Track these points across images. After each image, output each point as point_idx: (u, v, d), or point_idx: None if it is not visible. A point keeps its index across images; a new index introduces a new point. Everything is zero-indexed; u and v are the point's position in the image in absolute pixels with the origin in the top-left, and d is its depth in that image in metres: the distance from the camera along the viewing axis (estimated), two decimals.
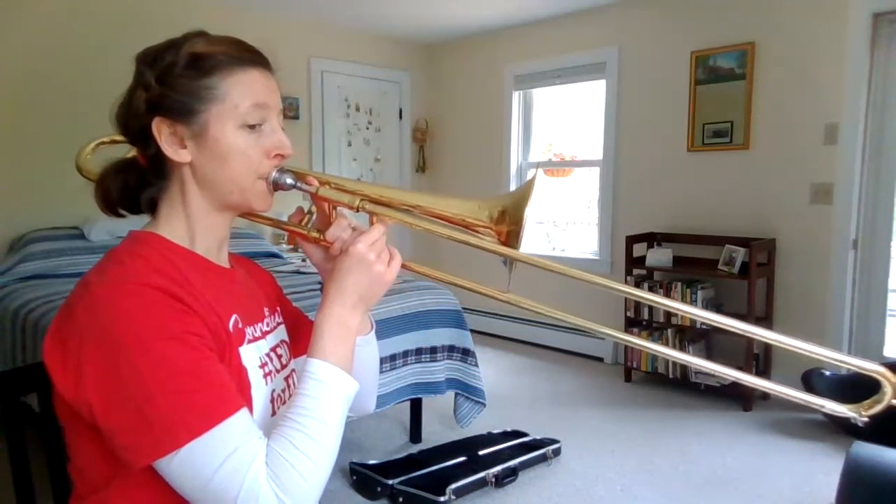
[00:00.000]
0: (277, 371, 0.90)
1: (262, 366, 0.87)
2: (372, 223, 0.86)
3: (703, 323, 3.50)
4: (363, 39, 4.86)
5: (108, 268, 0.77)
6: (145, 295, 0.73)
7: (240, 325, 0.85)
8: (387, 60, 5.04)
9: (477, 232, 0.88)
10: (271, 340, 0.92)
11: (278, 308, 1.01)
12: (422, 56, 5.29)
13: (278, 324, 0.98)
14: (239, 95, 0.80)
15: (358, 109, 4.90)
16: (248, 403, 0.80)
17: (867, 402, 0.81)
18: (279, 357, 0.93)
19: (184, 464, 0.70)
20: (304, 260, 3.96)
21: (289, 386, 0.93)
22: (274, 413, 0.86)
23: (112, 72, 3.55)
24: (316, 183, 0.88)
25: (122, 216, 0.88)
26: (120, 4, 3.64)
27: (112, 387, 0.70)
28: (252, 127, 0.81)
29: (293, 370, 0.96)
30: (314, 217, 0.92)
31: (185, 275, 0.79)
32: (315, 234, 0.90)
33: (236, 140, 0.81)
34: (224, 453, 0.70)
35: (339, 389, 0.80)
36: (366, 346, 0.97)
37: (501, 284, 0.89)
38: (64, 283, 2.93)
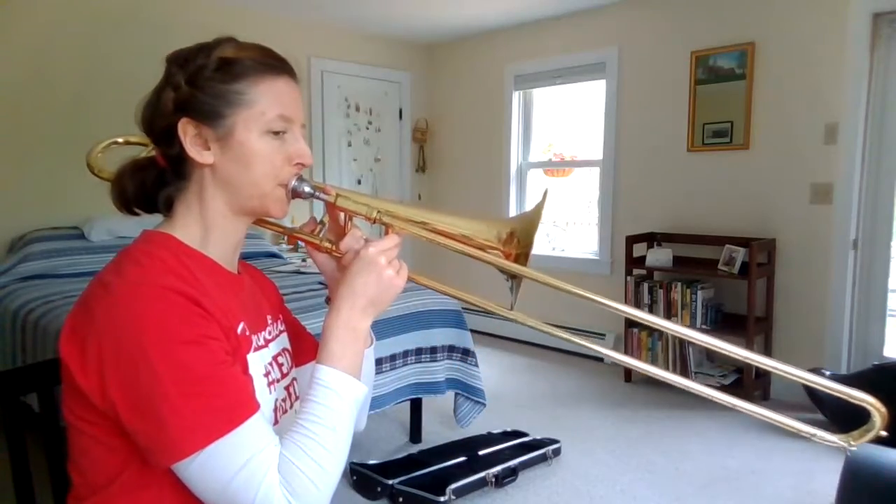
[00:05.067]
0: (279, 380, 0.91)
1: (266, 374, 0.87)
2: (387, 234, 0.87)
3: (702, 324, 3.50)
4: (363, 39, 4.86)
5: (126, 267, 0.77)
6: (165, 298, 0.73)
7: (247, 333, 0.85)
8: (387, 60, 5.04)
9: (484, 251, 0.89)
10: (274, 349, 0.93)
11: (280, 316, 1.01)
12: (422, 56, 5.29)
13: (280, 332, 0.98)
14: (267, 103, 0.82)
15: (358, 109, 4.90)
16: None
17: (857, 431, 0.82)
18: (280, 366, 0.93)
19: (201, 468, 0.71)
20: (304, 260, 3.96)
21: (289, 395, 0.93)
22: (276, 422, 0.87)
23: (113, 72, 3.57)
24: (334, 193, 0.89)
25: (136, 214, 0.89)
26: (121, 6, 3.64)
27: (132, 390, 0.71)
28: (276, 134, 0.83)
29: (294, 379, 0.97)
30: (325, 227, 0.93)
31: (198, 279, 0.80)
32: (327, 245, 0.91)
33: (260, 145, 0.82)
34: (240, 460, 0.72)
35: (348, 395, 0.80)
36: (364, 360, 0.97)
37: (505, 295, 0.90)
38: (64, 283, 2.93)
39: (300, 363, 1.02)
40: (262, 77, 0.82)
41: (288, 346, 0.99)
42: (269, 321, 0.95)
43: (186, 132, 0.81)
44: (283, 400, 0.90)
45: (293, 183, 0.86)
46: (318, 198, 0.88)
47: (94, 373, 0.72)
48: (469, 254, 0.87)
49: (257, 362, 0.86)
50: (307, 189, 0.87)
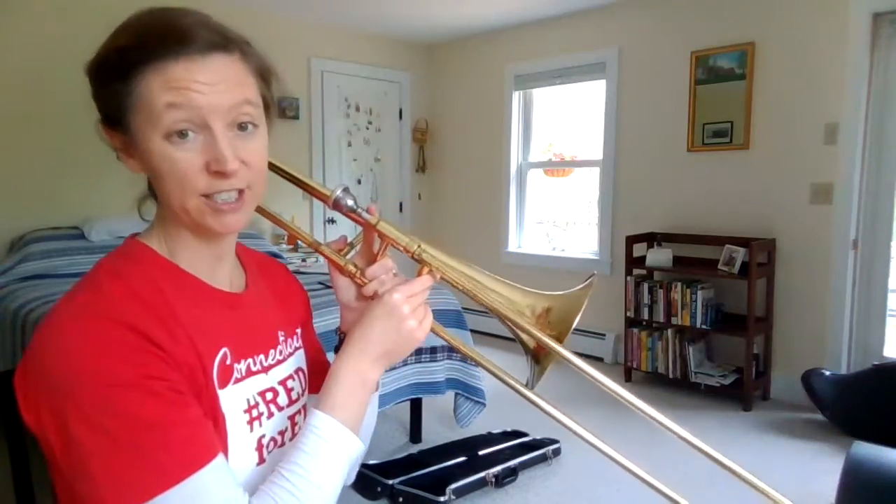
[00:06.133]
0: (280, 408, 0.80)
1: (249, 409, 0.76)
2: (419, 275, 0.78)
3: (702, 324, 3.50)
4: (363, 39, 4.86)
5: (78, 295, 0.68)
6: (106, 335, 0.63)
7: (227, 362, 0.74)
8: (387, 60, 5.04)
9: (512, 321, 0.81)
10: (282, 372, 0.83)
11: (298, 330, 0.90)
12: (422, 56, 5.29)
13: (296, 349, 0.87)
14: (154, 97, 0.66)
15: (358, 109, 4.90)
16: (224, 454, 0.70)
17: None
18: (289, 391, 0.82)
19: None
20: (304, 260, 3.95)
21: (293, 424, 0.83)
22: (262, 460, 0.76)
23: None
24: (377, 215, 0.81)
25: None
26: (121, 6, 3.64)
27: (63, 435, 0.62)
28: (182, 135, 0.66)
29: (304, 405, 0.86)
30: (355, 250, 0.84)
31: (168, 302, 0.70)
32: (351, 268, 0.81)
33: (164, 152, 0.67)
34: None
35: (341, 450, 0.71)
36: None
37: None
38: (64, 283, 2.93)
39: (314, 390, 0.87)
40: (150, 64, 0.66)
41: (304, 365, 0.88)
42: (281, 338, 0.84)
43: (111, 140, 0.72)
44: (282, 432, 0.80)
45: (338, 193, 0.78)
46: (359, 216, 0.80)
47: (33, 410, 0.64)
48: (502, 313, 0.79)
49: (237, 396, 0.74)
50: (349, 203, 0.78)
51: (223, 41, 0.69)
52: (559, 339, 0.76)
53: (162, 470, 0.62)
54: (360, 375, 0.75)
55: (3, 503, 1.95)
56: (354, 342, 0.75)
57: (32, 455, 1.05)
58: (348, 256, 0.84)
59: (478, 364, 0.84)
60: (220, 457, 0.66)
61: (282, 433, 0.80)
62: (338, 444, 0.71)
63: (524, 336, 0.79)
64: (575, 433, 0.82)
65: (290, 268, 3.69)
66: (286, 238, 4.29)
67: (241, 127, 0.70)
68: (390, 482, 2.38)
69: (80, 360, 0.62)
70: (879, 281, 3.28)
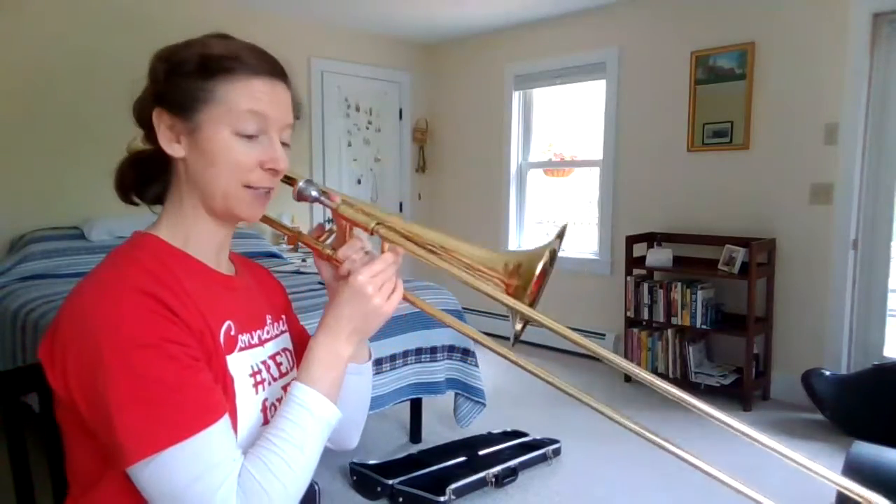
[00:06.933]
0: (275, 379, 0.90)
1: (254, 374, 0.86)
2: (384, 250, 0.85)
3: (702, 324, 3.50)
4: (363, 39, 4.86)
5: (101, 270, 0.78)
6: (129, 300, 0.72)
7: (232, 333, 0.85)
8: (387, 60, 5.04)
9: (487, 278, 0.86)
10: (271, 348, 0.93)
11: (283, 317, 1.01)
12: (422, 56, 5.29)
13: (282, 332, 0.98)
14: (236, 101, 0.80)
15: (358, 109, 4.90)
16: (233, 413, 0.79)
17: None
18: (279, 365, 0.92)
19: (153, 476, 0.70)
20: (304, 260, 3.96)
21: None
22: (266, 421, 0.85)
23: (112, 73, 3.57)
24: (339, 199, 0.89)
25: (135, 203, 0.90)
26: (121, 6, 3.64)
27: (90, 390, 0.71)
28: (249, 137, 0.81)
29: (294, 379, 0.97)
30: (333, 236, 0.93)
31: (178, 279, 0.79)
32: (329, 252, 0.90)
33: (228, 144, 0.80)
34: (195, 471, 0.70)
35: (321, 417, 0.80)
36: (359, 376, 0.96)
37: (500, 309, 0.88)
38: (64, 283, 2.93)
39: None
40: (237, 76, 0.80)
41: (290, 346, 0.99)
42: (269, 321, 0.94)
43: (161, 122, 0.81)
44: (279, 399, 0.89)
45: (300, 185, 0.86)
46: (322, 202, 0.88)
47: (59, 369, 0.73)
48: (467, 281, 0.83)
49: (243, 361, 0.85)
50: (313, 193, 0.87)
51: (283, 72, 0.86)
52: (524, 286, 0.83)
53: (174, 426, 0.70)
54: (335, 352, 0.83)
55: (3, 503, 1.96)
56: (328, 323, 0.83)
57: (32, 455, 1.05)
58: (328, 242, 0.92)
59: (461, 331, 0.89)
60: (224, 418, 0.75)
61: (279, 400, 0.88)
62: (318, 410, 0.79)
63: (490, 288, 0.85)
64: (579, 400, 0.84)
65: (291, 268, 3.68)
66: (286, 238, 4.29)
67: (282, 143, 0.85)
68: (390, 482, 2.38)
69: (103, 324, 0.70)
70: (879, 281, 3.28)
